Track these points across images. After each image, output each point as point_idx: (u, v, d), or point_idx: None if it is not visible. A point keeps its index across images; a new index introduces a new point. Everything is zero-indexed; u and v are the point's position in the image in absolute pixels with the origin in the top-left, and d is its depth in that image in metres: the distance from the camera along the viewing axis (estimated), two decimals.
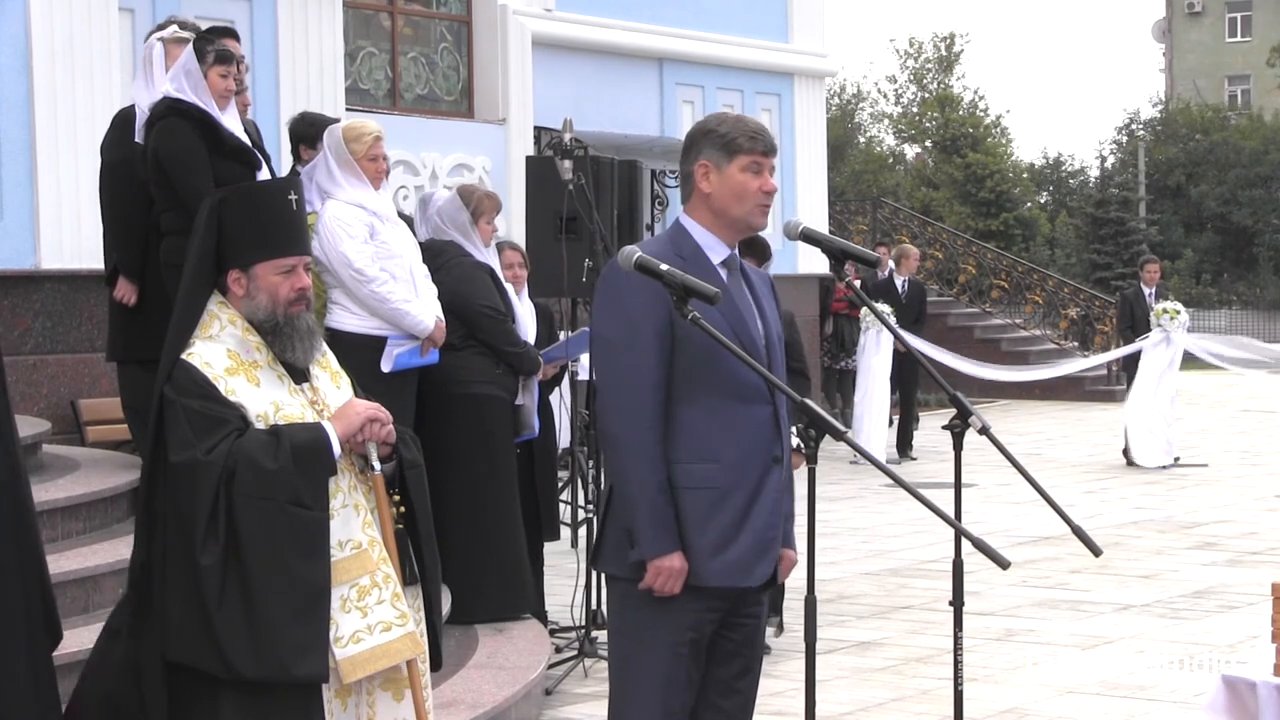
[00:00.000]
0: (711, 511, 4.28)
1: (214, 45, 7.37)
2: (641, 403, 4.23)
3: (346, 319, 7.42)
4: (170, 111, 7.22)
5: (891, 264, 17.61)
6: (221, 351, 4.13)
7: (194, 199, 6.69)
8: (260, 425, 4.08)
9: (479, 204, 8.05)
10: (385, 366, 7.44)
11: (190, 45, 7.32)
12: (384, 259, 7.39)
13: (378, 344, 7.42)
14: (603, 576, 4.84)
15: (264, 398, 4.13)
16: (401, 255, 7.47)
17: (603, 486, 4.55)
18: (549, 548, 8.63)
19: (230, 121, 7.40)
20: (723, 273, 4.38)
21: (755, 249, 7.85)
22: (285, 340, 4.21)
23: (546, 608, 8.46)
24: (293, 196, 4.26)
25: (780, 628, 8.47)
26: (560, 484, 10.01)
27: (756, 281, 4.53)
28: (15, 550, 3.89)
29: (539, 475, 8.32)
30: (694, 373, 4.28)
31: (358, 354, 7.22)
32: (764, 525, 4.34)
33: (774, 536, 4.38)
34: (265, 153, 7.93)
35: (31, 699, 3.88)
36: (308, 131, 8.32)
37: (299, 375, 4.26)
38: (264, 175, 7.48)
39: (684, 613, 4.29)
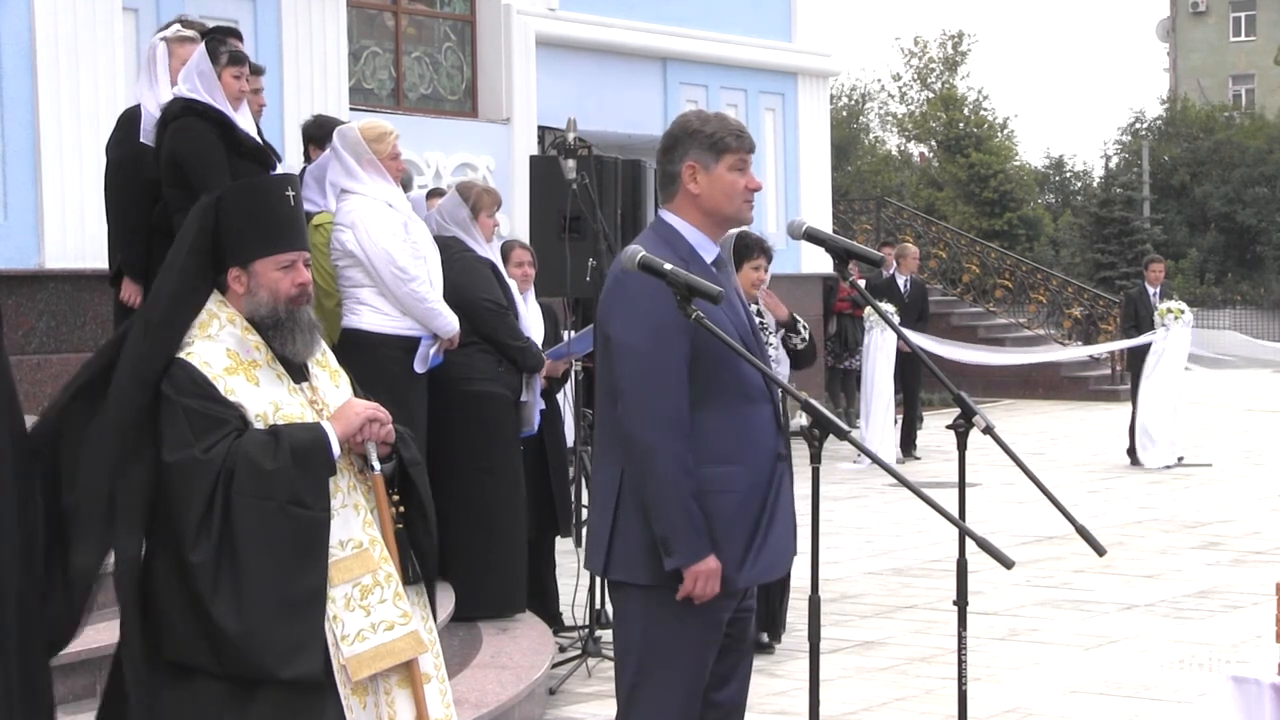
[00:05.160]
0: (738, 514, 4.29)
1: (227, 46, 7.33)
2: (673, 409, 4.22)
3: (375, 319, 7.39)
4: (186, 111, 7.13)
5: (894, 263, 17.62)
6: (221, 351, 4.12)
7: None
8: (259, 425, 4.07)
9: (478, 199, 8.06)
10: (420, 367, 7.47)
11: (202, 46, 7.28)
12: (415, 258, 7.41)
13: (407, 344, 7.43)
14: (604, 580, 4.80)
15: (263, 397, 4.12)
16: (426, 256, 7.49)
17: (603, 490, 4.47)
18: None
19: (243, 122, 7.38)
20: (714, 271, 4.39)
21: (764, 250, 7.86)
22: (286, 334, 4.19)
23: (559, 607, 8.47)
24: (291, 193, 4.25)
25: (783, 627, 8.44)
26: None
27: (734, 280, 4.57)
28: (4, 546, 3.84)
29: (553, 472, 8.34)
30: (712, 376, 4.28)
31: (389, 355, 7.25)
32: (784, 521, 4.38)
33: (793, 531, 4.43)
34: (276, 153, 7.92)
35: (7, 709, 3.83)
36: (317, 133, 8.33)
37: (298, 374, 4.25)
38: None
39: (711, 613, 4.31)
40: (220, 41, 7.36)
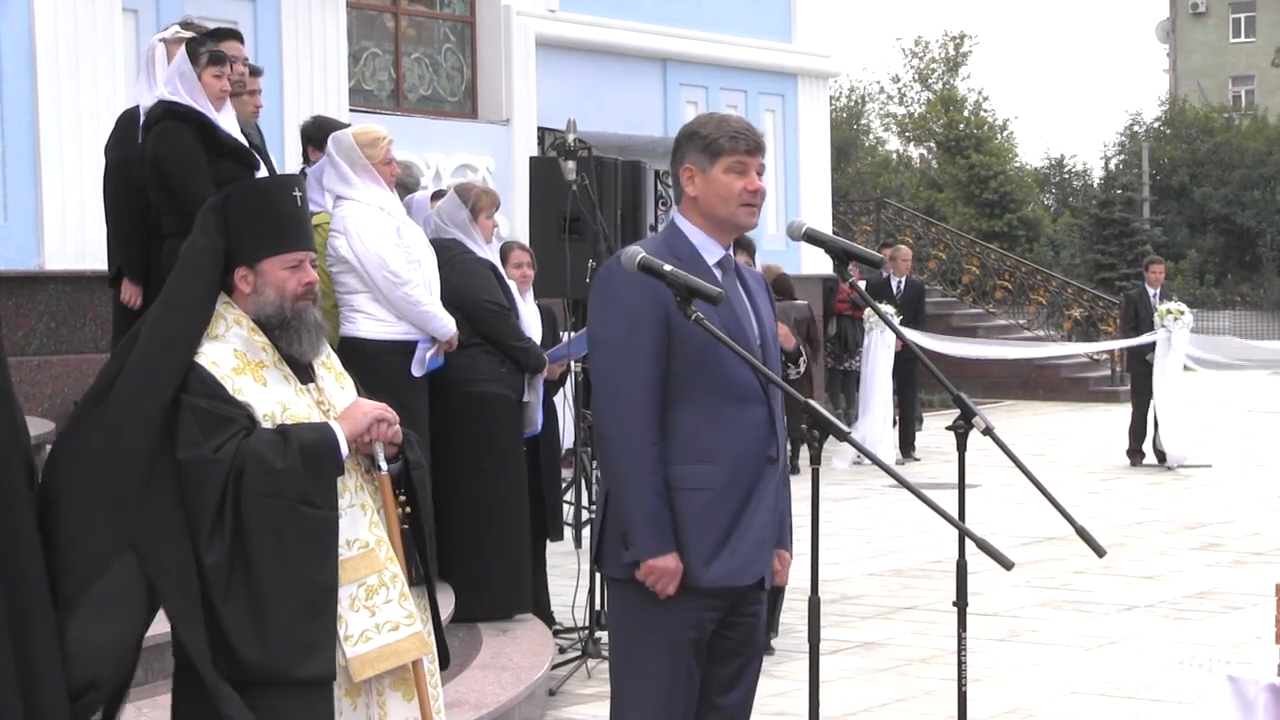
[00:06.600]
0: (708, 513, 4.28)
1: (206, 46, 7.35)
2: (638, 403, 4.24)
3: (371, 326, 7.40)
4: (166, 115, 7.17)
5: (889, 265, 17.64)
6: (228, 351, 4.13)
7: (195, 202, 6.63)
8: (267, 425, 4.08)
9: (477, 200, 8.07)
10: (418, 371, 7.48)
11: (184, 47, 7.30)
12: (408, 262, 7.41)
13: (404, 349, 7.44)
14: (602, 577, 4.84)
15: (271, 397, 4.13)
16: (420, 260, 7.49)
17: (599, 488, 4.52)
18: (551, 548, 8.63)
19: (226, 122, 7.39)
20: (717, 273, 4.39)
21: (743, 245, 7.91)
22: (293, 334, 4.20)
23: (551, 608, 8.47)
24: (297, 193, 4.26)
25: (775, 631, 8.43)
26: (564, 484, 10.02)
27: (751, 281, 4.55)
28: None
29: (544, 475, 8.34)
30: (690, 373, 4.28)
31: (387, 360, 7.26)
32: (760, 525, 4.36)
33: (769, 536, 4.41)
34: (268, 156, 7.91)
35: (16, 696, 3.83)
36: (316, 134, 8.34)
37: (304, 375, 4.26)
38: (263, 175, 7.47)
39: (684, 613, 4.30)
40: (200, 42, 7.37)
